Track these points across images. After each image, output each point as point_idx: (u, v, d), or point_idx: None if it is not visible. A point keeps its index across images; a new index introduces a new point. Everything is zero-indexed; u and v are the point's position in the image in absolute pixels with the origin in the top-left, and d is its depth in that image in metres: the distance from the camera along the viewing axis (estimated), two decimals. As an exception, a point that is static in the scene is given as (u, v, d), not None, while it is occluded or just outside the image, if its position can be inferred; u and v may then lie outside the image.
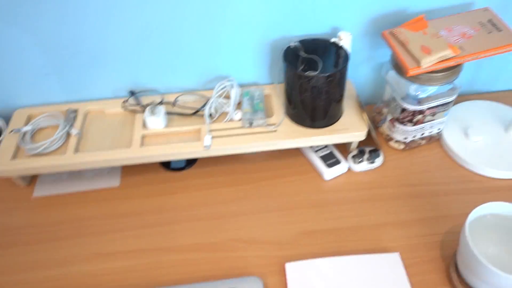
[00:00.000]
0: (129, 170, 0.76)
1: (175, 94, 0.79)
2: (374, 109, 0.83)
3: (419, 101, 0.69)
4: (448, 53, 0.62)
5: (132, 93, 0.79)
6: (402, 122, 0.73)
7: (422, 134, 0.76)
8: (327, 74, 0.65)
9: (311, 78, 0.66)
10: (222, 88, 0.77)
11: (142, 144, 0.73)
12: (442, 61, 0.63)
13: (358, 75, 0.84)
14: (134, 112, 0.78)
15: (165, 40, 0.74)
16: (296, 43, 0.70)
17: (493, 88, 0.89)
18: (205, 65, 0.79)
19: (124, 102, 0.78)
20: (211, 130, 0.74)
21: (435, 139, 0.79)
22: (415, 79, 0.66)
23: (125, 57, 0.76)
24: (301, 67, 0.72)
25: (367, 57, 0.81)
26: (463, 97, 0.86)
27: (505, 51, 0.63)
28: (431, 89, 0.67)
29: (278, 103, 0.78)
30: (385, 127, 0.78)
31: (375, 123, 0.82)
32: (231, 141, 0.72)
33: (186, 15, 0.71)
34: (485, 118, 0.81)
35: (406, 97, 0.70)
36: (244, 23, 0.73)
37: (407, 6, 0.73)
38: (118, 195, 0.73)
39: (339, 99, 0.71)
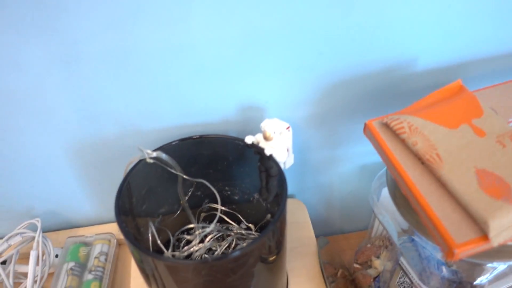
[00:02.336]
0: None
1: None
2: (355, 255, 0.41)
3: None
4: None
5: None
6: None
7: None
8: (242, 251, 0.23)
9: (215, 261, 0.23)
10: (17, 241, 0.33)
11: None
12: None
13: (304, 194, 0.43)
14: None
15: None
16: (157, 152, 0.28)
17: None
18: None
19: None
20: None
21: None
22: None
23: None
24: (186, 196, 0.31)
25: (326, 158, 0.41)
26: None
27: None
28: (497, 267, 0.27)
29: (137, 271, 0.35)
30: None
31: (358, 286, 0.40)
32: None
33: None
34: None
35: (431, 271, 0.29)
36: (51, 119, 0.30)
37: (401, 59, 0.34)
38: None
39: (275, 274, 0.29)
